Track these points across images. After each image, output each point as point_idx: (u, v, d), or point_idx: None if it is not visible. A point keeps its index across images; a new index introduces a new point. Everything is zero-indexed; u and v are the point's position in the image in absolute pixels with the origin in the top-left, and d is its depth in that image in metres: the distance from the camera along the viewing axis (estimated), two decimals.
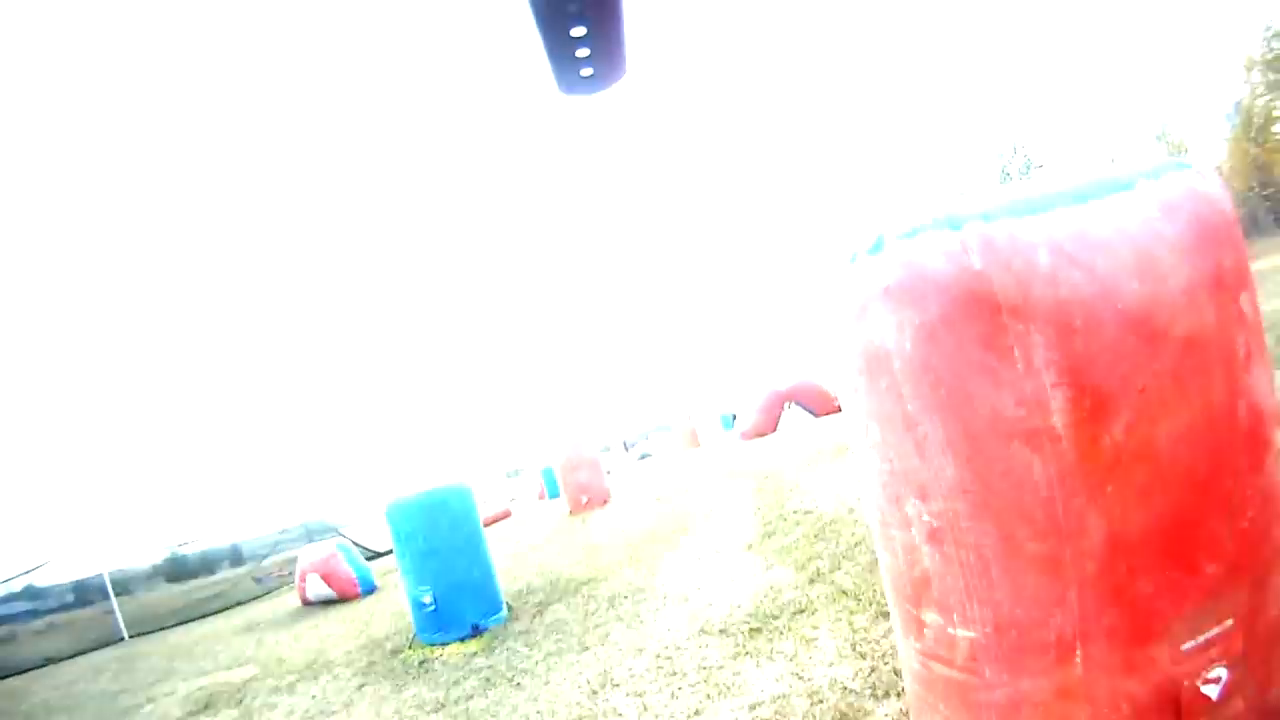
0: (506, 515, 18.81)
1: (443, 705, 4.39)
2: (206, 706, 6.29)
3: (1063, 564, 1.60)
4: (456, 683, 4.78)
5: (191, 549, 20.84)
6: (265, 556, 18.99)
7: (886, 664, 2.92)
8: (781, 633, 3.71)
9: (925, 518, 1.78)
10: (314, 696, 5.62)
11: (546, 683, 4.17)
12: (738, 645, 3.73)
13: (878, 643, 3.17)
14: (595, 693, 3.71)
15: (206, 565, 21.46)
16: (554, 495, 19.14)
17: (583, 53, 1.90)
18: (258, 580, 17.10)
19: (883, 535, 2.01)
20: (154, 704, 6.91)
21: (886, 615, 3.40)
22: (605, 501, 12.64)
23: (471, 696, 4.38)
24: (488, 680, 4.61)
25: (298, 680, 6.27)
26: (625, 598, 5.57)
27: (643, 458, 30.12)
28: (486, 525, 17.29)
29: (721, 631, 4.03)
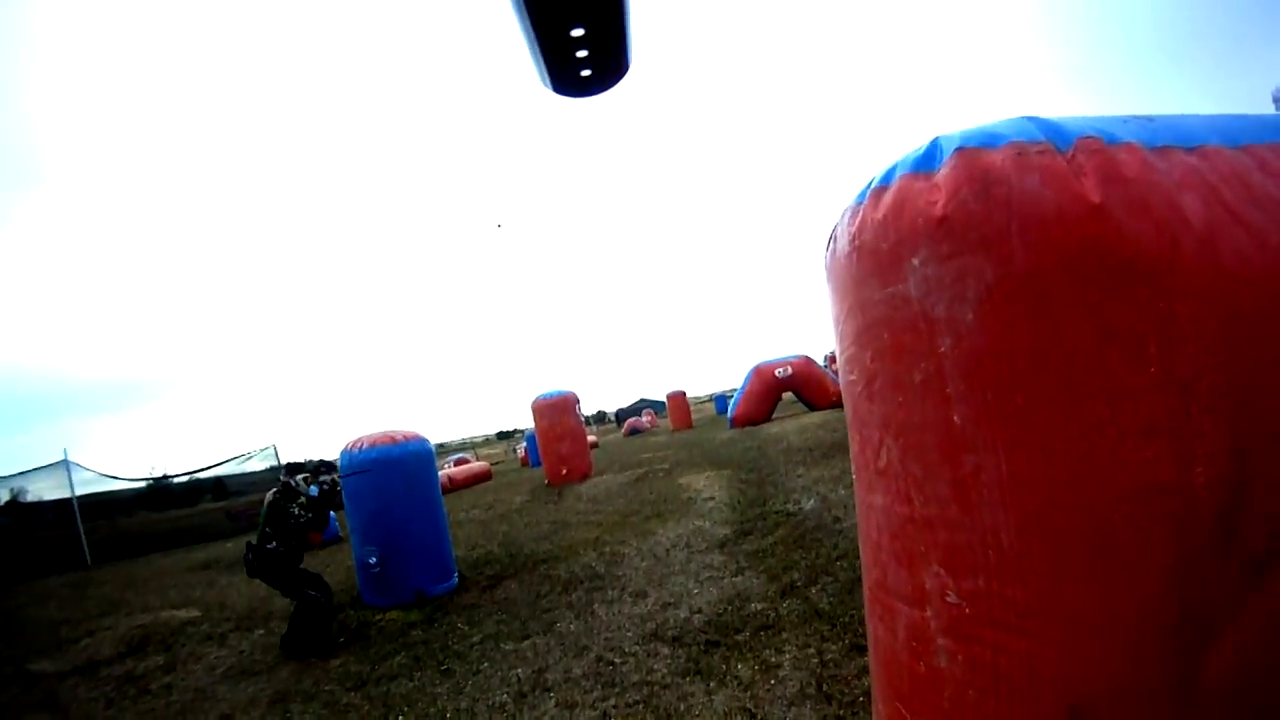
0: (487, 476, 18.52)
1: (363, 683, 4.00)
2: (138, 647, 6.01)
3: None
4: (385, 657, 4.40)
5: (179, 479, 20.68)
6: (244, 494, 18.82)
7: (856, 715, 2.45)
8: (741, 651, 3.25)
9: (951, 597, 1.22)
10: (242, 651, 5.29)
11: (476, 672, 3.76)
12: (690, 659, 3.27)
13: (849, 684, 2.69)
14: (523, 695, 3.28)
15: (189, 496, 21.27)
16: (537, 463, 18.79)
17: (581, 53, 1.66)
18: (231, 516, 16.91)
19: (878, 600, 1.46)
20: (90, 639, 6.61)
21: (863, 649, 2.93)
22: (585, 475, 12.22)
23: (395, 676, 3.99)
24: (417, 659, 4.22)
25: (232, 630, 5.96)
26: (582, 583, 5.14)
27: (633, 434, 29.76)
28: (466, 484, 17.16)
29: (675, 640, 3.58)
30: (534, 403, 12.99)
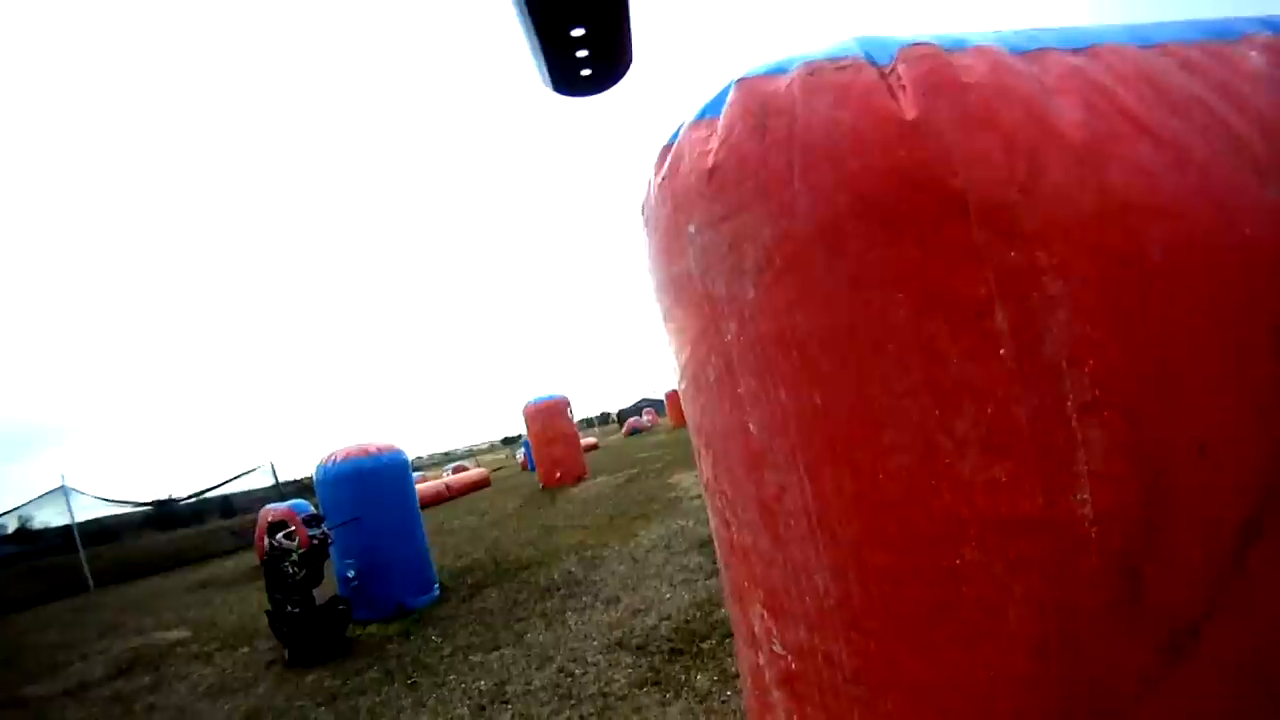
0: (486, 482, 18.49)
1: (334, 697, 3.99)
2: (127, 669, 6.07)
3: None
4: (359, 671, 4.39)
5: (187, 500, 20.76)
6: (250, 511, 18.91)
7: None
8: (703, 660, 3.20)
9: (777, 647, 0.99)
10: (225, 670, 5.31)
11: (441, 685, 3.73)
12: (651, 668, 3.22)
13: None
14: (482, 709, 3.24)
15: (197, 516, 21.34)
16: (535, 468, 18.80)
17: (582, 53, 1.51)
18: (235, 534, 16.99)
19: (735, 635, 1.27)
20: (84, 662, 6.69)
21: None
22: (579, 478, 12.18)
23: (365, 691, 3.97)
24: (388, 673, 4.20)
25: (219, 649, 6.00)
26: (559, 589, 5.11)
27: (633, 434, 29.71)
28: (464, 491, 17.14)
29: (639, 648, 3.53)
30: (525, 408, 12.97)
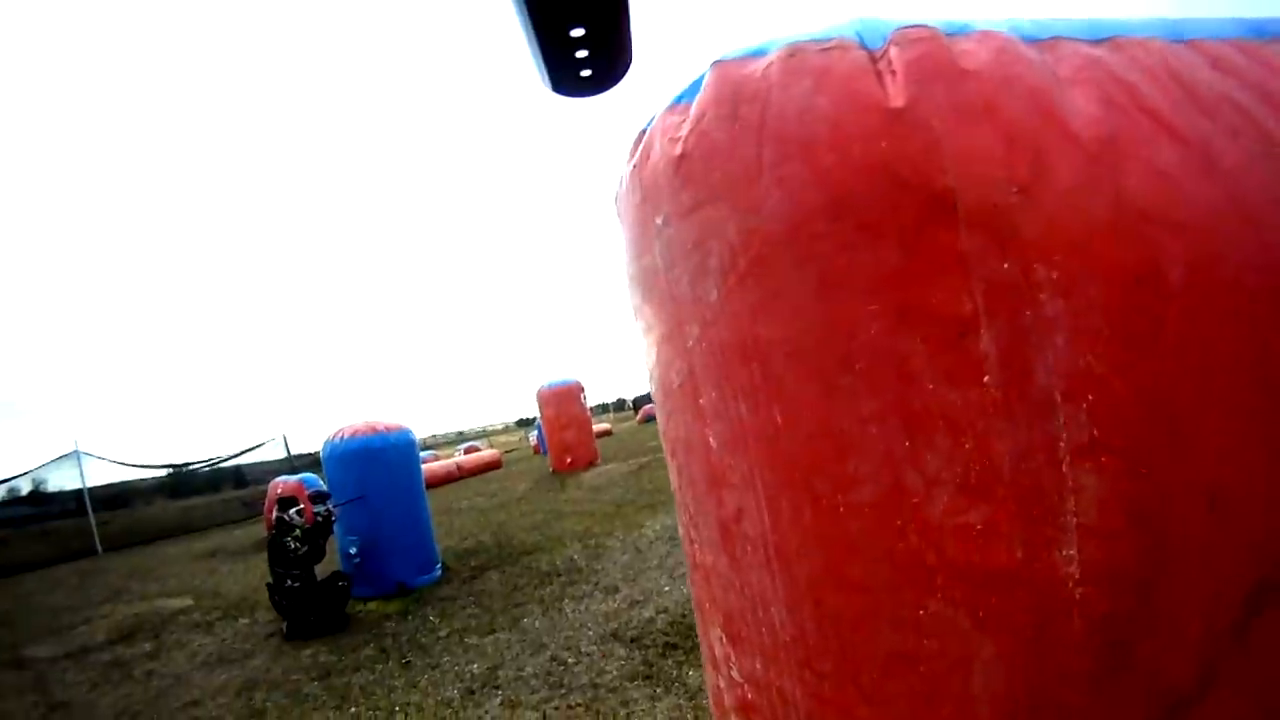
0: (497, 464, 18.55)
1: (328, 673, 3.96)
2: (129, 635, 6.11)
3: None
4: (356, 648, 4.36)
5: (200, 468, 21.12)
6: (261, 482, 19.20)
7: None
8: (697, 656, 3.06)
9: (735, 674, 0.92)
10: (224, 640, 5.33)
11: (434, 666, 3.68)
12: (644, 662, 3.13)
13: None
14: (472, 692, 3.17)
15: (211, 485, 21.74)
16: (547, 451, 18.81)
17: (581, 54, 1.44)
18: (246, 504, 17.23)
19: (701, 651, 1.19)
20: (87, 625, 6.76)
21: None
22: (590, 463, 12.13)
23: (359, 669, 3.94)
24: (384, 651, 4.17)
25: (220, 618, 6.03)
26: (559, 576, 5.04)
27: (647, 421, 29.63)
28: (474, 472, 17.21)
29: (634, 640, 3.43)
30: (539, 391, 12.93)
